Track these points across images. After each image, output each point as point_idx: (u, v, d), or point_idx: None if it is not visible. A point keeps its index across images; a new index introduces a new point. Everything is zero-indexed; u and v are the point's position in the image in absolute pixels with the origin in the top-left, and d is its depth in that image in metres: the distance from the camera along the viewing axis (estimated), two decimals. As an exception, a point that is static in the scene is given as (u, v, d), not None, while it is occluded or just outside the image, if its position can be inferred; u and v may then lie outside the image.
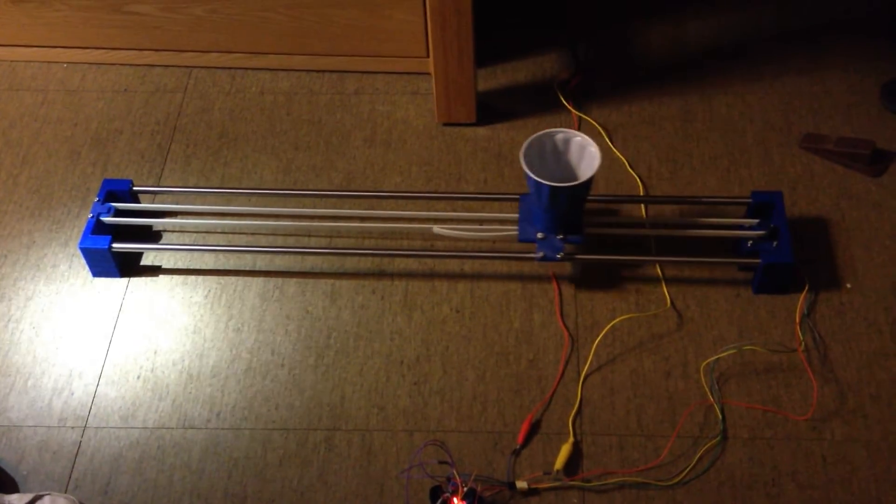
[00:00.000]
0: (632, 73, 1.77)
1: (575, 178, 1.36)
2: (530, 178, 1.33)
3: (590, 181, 1.35)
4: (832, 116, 1.67)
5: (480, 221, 1.54)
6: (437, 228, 1.47)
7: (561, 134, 1.38)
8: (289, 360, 1.41)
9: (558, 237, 1.41)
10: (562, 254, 1.40)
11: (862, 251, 1.49)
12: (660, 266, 1.47)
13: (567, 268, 1.48)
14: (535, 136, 1.37)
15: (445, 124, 1.69)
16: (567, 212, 1.39)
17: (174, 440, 1.33)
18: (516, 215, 1.47)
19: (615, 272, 1.47)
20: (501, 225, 1.52)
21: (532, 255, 1.41)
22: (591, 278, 1.47)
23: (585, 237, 1.42)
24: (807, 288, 1.44)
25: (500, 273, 1.48)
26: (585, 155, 1.38)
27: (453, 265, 1.49)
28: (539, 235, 1.41)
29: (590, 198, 1.56)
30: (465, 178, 1.61)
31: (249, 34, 1.73)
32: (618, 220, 1.54)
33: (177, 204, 1.58)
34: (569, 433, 1.31)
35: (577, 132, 1.38)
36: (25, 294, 1.49)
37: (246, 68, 1.79)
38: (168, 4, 1.69)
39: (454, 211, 1.55)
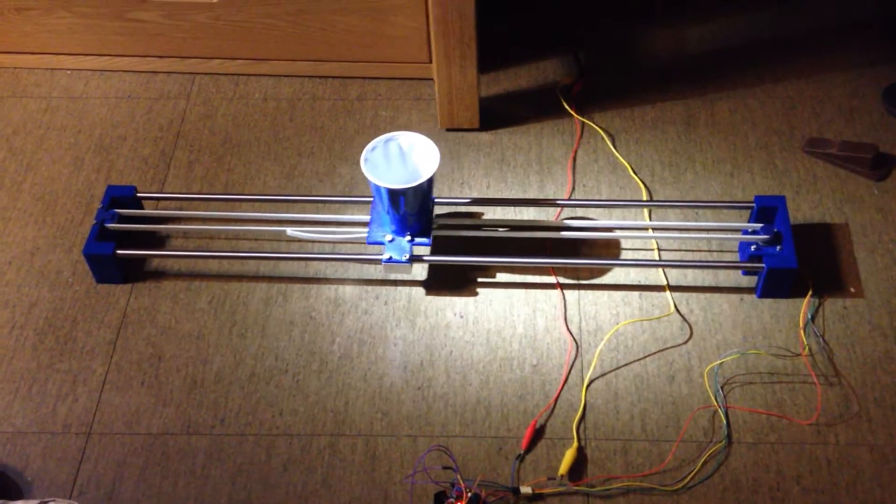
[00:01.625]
0: (634, 78, 1.77)
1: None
2: (370, 181, 1.35)
3: (429, 182, 1.37)
4: (835, 121, 1.67)
5: (337, 224, 1.54)
6: (290, 231, 1.48)
7: (404, 136, 1.41)
8: (292, 365, 1.41)
9: (406, 239, 1.42)
10: (407, 255, 1.41)
11: (865, 255, 1.49)
12: (663, 271, 1.47)
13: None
14: (378, 139, 1.40)
15: (448, 130, 1.69)
16: (410, 214, 1.40)
17: (178, 446, 1.33)
18: (358, 217, 1.51)
19: (616, 278, 1.48)
20: (356, 227, 1.52)
21: (379, 257, 1.42)
22: (594, 284, 1.47)
23: (433, 239, 1.44)
24: (810, 292, 1.44)
25: (504, 278, 1.48)
26: (428, 157, 1.40)
27: (456, 270, 1.49)
28: (387, 238, 1.42)
29: (597, 202, 1.57)
30: (468, 184, 1.61)
31: (252, 41, 1.74)
32: (472, 223, 1.55)
33: (180, 210, 1.58)
34: (573, 438, 1.31)
35: (419, 134, 1.41)
36: (29, 300, 1.49)
37: (249, 74, 1.80)
38: (171, 11, 1.70)
39: (316, 213, 1.55)
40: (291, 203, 1.57)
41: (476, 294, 1.47)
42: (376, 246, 1.44)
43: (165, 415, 1.36)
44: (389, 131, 1.67)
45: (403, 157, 1.42)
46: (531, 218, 1.56)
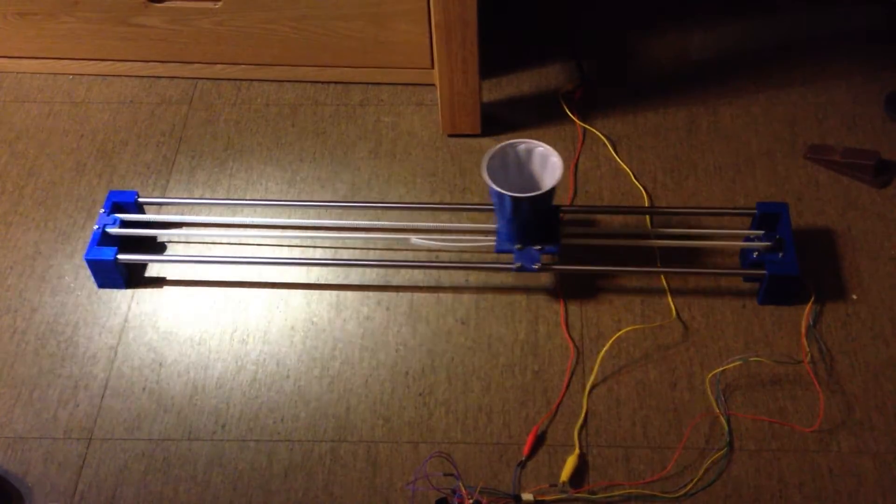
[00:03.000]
0: (636, 84, 1.77)
1: (538, 189, 1.36)
2: (492, 189, 1.33)
3: (552, 191, 1.35)
4: (837, 127, 1.67)
5: (461, 232, 1.54)
6: (414, 239, 1.47)
7: (523, 144, 1.39)
8: (294, 371, 1.40)
9: (535, 248, 1.41)
10: (538, 264, 1.40)
11: (868, 262, 1.49)
12: (665, 277, 1.47)
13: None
14: (496, 146, 1.37)
15: (450, 135, 1.69)
16: (530, 222, 1.39)
17: (179, 452, 1.33)
18: (494, 226, 1.48)
19: (618, 284, 1.47)
20: (483, 236, 1.52)
21: (509, 266, 1.41)
22: (596, 290, 1.47)
23: (562, 247, 1.42)
24: (812, 299, 1.43)
25: (506, 284, 1.48)
26: (548, 165, 1.38)
27: (458, 277, 1.49)
28: (517, 246, 1.41)
29: (595, 207, 1.57)
30: (469, 189, 1.61)
31: (255, 46, 1.74)
32: (596, 231, 1.54)
33: (182, 215, 1.58)
34: (574, 445, 1.31)
35: (539, 142, 1.39)
36: (31, 305, 1.49)
37: (251, 80, 1.80)
38: (174, 17, 1.70)
39: (437, 221, 1.54)
40: (294, 208, 1.57)
41: (477, 300, 1.47)
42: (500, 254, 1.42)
43: (166, 420, 1.36)
44: (391, 137, 1.69)
45: (521, 164, 1.40)
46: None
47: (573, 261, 1.48)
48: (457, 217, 1.57)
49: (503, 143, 1.38)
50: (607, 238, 1.52)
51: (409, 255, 1.53)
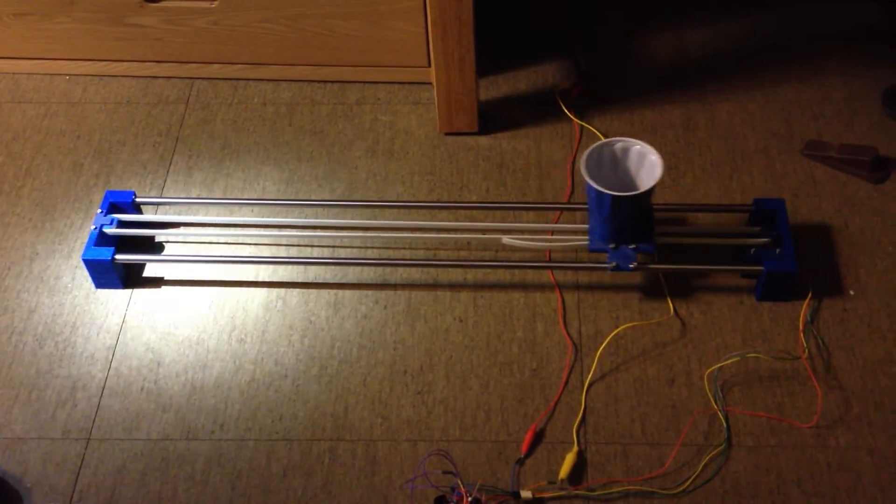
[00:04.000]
0: (633, 82, 1.77)
1: (634, 188, 1.35)
2: (591, 187, 1.32)
3: (651, 190, 1.34)
4: (834, 123, 1.67)
5: (550, 232, 1.53)
6: (506, 239, 1.45)
7: (619, 143, 1.38)
8: (292, 370, 1.40)
9: (630, 247, 1.39)
10: (635, 263, 1.39)
11: (865, 258, 1.49)
12: (662, 274, 1.47)
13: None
14: (594, 146, 1.36)
15: (447, 134, 1.69)
16: (630, 221, 1.37)
17: (178, 452, 1.33)
18: (576, 225, 1.47)
19: (616, 281, 1.47)
20: (574, 235, 1.50)
21: (604, 265, 1.40)
22: (593, 287, 1.47)
23: (658, 246, 1.41)
24: (810, 295, 1.43)
25: (504, 282, 1.48)
26: (646, 163, 1.37)
27: (456, 275, 1.49)
28: (611, 245, 1.39)
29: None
30: (467, 188, 1.61)
31: (251, 45, 1.74)
32: (688, 230, 1.53)
33: (180, 215, 1.58)
34: (573, 442, 1.31)
35: (636, 141, 1.37)
36: (28, 306, 1.49)
37: (248, 79, 1.80)
38: (170, 16, 1.70)
39: (519, 221, 1.54)
40: (290, 207, 1.57)
41: (475, 298, 1.47)
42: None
43: (165, 420, 1.36)
44: (389, 135, 1.69)
45: (615, 162, 1.39)
46: (530, 220, 1.56)
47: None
48: (454, 215, 1.57)
49: (600, 143, 1.37)
50: (706, 237, 1.50)
51: (407, 254, 1.53)
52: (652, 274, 1.47)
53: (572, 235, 1.49)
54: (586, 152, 1.36)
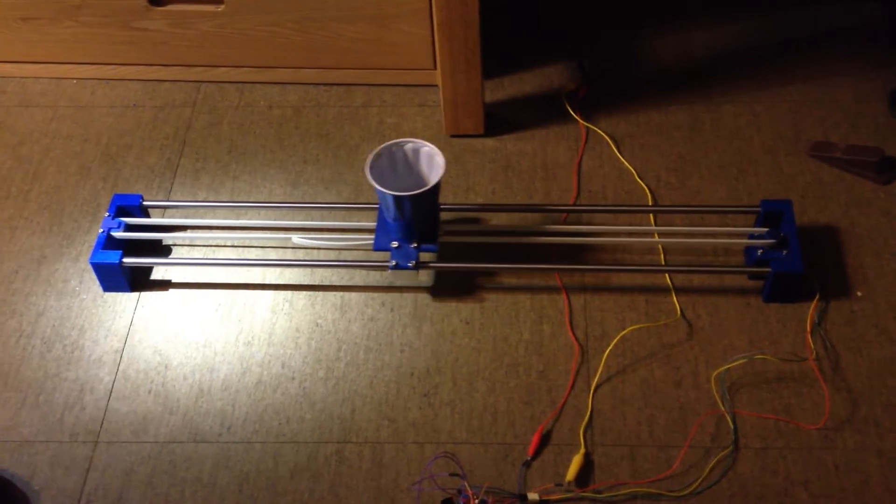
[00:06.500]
0: (639, 83, 1.77)
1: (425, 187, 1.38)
2: (376, 188, 1.35)
3: (434, 189, 1.37)
4: (840, 124, 1.67)
5: (342, 231, 1.54)
6: (295, 238, 1.49)
7: (410, 144, 1.41)
8: (299, 373, 1.41)
9: (412, 246, 1.42)
10: (414, 262, 1.41)
11: (872, 259, 1.48)
12: (669, 276, 1.47)
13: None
14: (383, 146, 1.40)
15: (453, 136, 1.69)
16: (416, 220, 1.40)
17: (185, 454, 1.33)
18: (363, 223, 1.51)
19: (622, 283, 1.47)
20: (362, 234, 1.52)
21: (386, 264, 1.42)
22: (600, 289, 1.47)
23: (440, 245, 1.44)
24: (817, 296, 1.43)
25: (510, 284, 1.48)
26: (434, 164, 1.40)
27: (462, 277, 1.49)
28: (393, 244, 1.43)
29: (602, 207, 1.57)
30: (473, 190, 1.61)
31: (258, 48, 1.74)
32: (477, 228, 1.55)
33: (186, 218, 1.58)
34: (580, 444, 1.31)
35: (425, 142, 1.41)
36: (37, 309, 1.50)
37: (254, 82, 1.80)
38: (176, 20, 1.70)
39: (321, 220, 1.56)
40: (297, 210, 1.58)
41: (482, 300, 1.47)
42: (384, 252, 1.44)
43: (172, 423, 1.36)
44: (395, 138, 1.68)
45: (409, 164, 1.42)
46: (537, 223, 1.56)
47: (572, 260, 1.49)
48: (461, 217, 1.57)
49: (389, 143, 1.40)
50: (486, 236, 1.52)
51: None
52: (658, 276, 1.47)
53: (361, 234, 1.51)
54: (373, 152, 1.38)
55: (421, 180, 1.42)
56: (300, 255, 1.54)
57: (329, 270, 1.51)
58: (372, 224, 1.48)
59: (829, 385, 1.35)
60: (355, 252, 1.53)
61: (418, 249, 1.43)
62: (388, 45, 1.70)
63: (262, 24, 1.70)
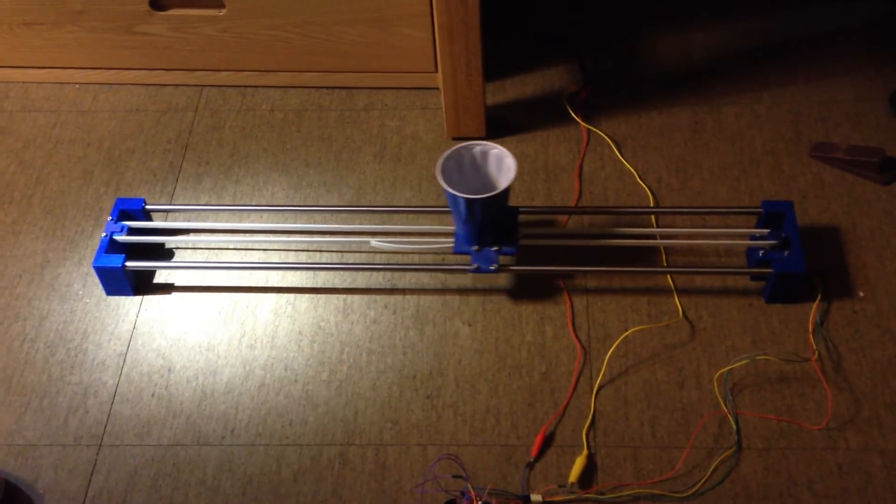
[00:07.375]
0: (640, 85, 1.78)
1: (494, 190, 1.37)
2: (447, 191, 1.34)
3: (505, 192, 1.36)
4: (841, 125, 1.67)
5: (420, 234, 1.54)
6: (373, 242, 1.48)
7: (479, 147, 1.40)
8: (302, 375, 1.41)
9: (493, 249, 1.41)
10: (496, 265, 1.41)
11: (874, 259, 1.48)
12: (671, 277, 1.47)
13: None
14: (452, 149, 1.38)
15: (455, 138, 1.70)
16: (487, 223, 1.39)
17: (189, 457, 1.34)
18: (444, 227, 1.49)
19: (624, 284, 1.48)
20: (443, 238, 1.51)
21: (467, 268, 1.42)
22: (602, 291, 1.47)
23: (519, 248, 1.43)
24: (819, 297, 1.43)
25: (512, 286, 1.49)
26: (503, 167, 1.39)
27: (465, 279, 1.50)
28: (474, 248, 1.42)
29: (604, 209, 1.57)
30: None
31: (259, 52, 1.74)
32: (552, 231, 1.55)
33: (189, 222, 1.59)
34: (583, 445, 1.31)
35: (494, 145, 1.39)
36: (40, 313, 1.50)
37: (256, 86, 1.81)
38: (178, 24, 1.71)
39: (395, 224, 1.56)
40: (299, 213, 1.58)
41: (484, 302, 1.47)
42: (450, 255, 1.43)
43: (176, 426, 1.37)
44: (396, 141, 1.69)
45: (476, 166, 1.41)
46: (539, 225, 1.56)
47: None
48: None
49: (458, 146, 1.39)
50: (566, 238, 1.53)
51: (416, 259, 1.53)
52: (661, 277, 1.47)
53: (441, 238, 1.50)
54: (443, 156, 1.37)
55: (488, 182, 1.40)
56: (302, 257, 1.55)
57: (332, 273, 1.52)
58: (437, 227, 1.48)
59: (832, 385, 1.35)
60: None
61: (499, 252, 1.41)
62: (389, 48, 1.71)
63: (264, 28, 1.70)
